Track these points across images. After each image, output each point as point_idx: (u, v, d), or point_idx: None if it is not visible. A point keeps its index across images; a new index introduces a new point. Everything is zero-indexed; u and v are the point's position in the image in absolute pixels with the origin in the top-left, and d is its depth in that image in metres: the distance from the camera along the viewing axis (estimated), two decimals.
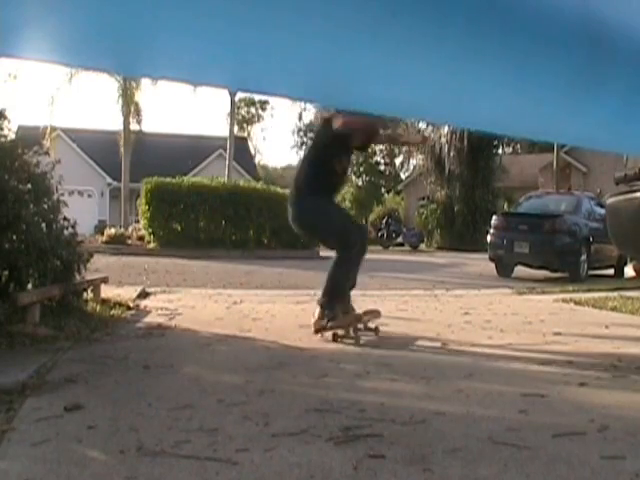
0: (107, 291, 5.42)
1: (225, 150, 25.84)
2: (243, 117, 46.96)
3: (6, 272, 3.94)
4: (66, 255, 4.28)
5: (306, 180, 4.09)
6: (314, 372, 3.00)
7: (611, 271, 11.98)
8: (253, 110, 48.56)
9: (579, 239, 10.54)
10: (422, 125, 27.95)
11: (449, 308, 5.87)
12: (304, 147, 46.29)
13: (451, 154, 27.39)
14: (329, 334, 3.96)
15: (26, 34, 0.69)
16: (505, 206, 25.19)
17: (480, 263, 13.78)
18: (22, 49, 0.73)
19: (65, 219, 4.50)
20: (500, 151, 31.17)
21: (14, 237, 3.93)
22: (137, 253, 14.99)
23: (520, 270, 11.05)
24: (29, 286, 4.01)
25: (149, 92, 66.91)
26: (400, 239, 27.37)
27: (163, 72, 0.83)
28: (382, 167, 44.53)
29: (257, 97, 43.71)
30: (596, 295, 7.20)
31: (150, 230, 16.48)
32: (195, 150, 34.29)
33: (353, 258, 4.20)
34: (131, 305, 5.18)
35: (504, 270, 11.04)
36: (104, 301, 5.03)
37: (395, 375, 2.98)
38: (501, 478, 1.74)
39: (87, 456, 1.86)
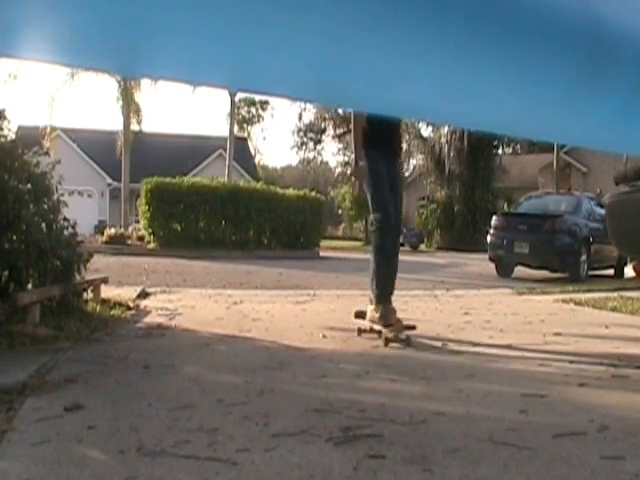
0: (107, 291, 5.42)
1: (225, 150, 25.85)
2: (243, 117, 46.94)
3: (6, 272, 3.94)
4: (66, 255, 4.28)
5: None
6: (314, 372, 2.99)
7: (611, 271, 11.98)
8: (253, 110, 48.56)
9: (579, 239, 10.54)
10: (422, 125, 27.98)
11: (449, 308, 5.87)
12: (304, 147, 46.39)
13: (451, 154, 27.42)
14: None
15: (26, 34, 0.69)
16: (505, 206, 25.20)
17: (480, 263, 13.78)
18: (22, 49, 0.73)
19: (65, 219, 4.50)
20: (500, 151, 31.21)
21: (14, 237, 3.93)
22: (137, 253, 14.99)
23: (520, 270, 11.05)
24: (29, 286, 4.01)
25: (149, 92, 66.94)
26: (400, 239, 27.38)
27: (163, 72, 0.83)
28: None
29: (257, 97, 43.74)
30: (596, 295, 7.20)
31: (150, 230, 16.50)
32: (195, 150, 34.31)
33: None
34: (131, 305, 5.18)
35: (504, 270, 11.05)
36: (104, 301, 5.03)
37: (395, 375, 2.98)
38: (501, 478, 1.74)
39: (87, 456, 1.86)
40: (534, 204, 12.08)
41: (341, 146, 45.37)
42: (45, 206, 4.25)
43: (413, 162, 40.72)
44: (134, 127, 26.01)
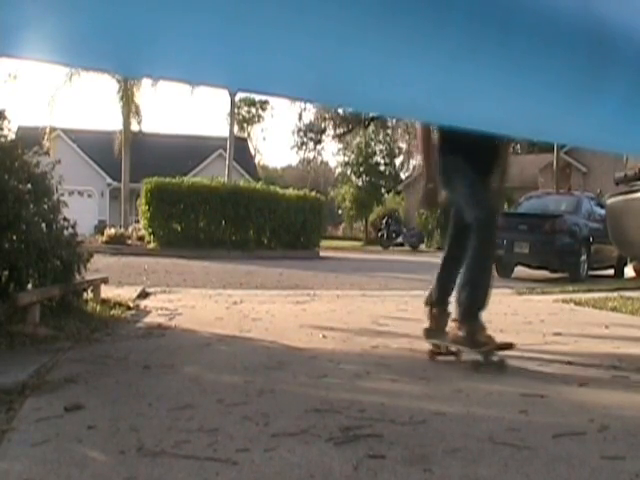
0: (107, 291, 5.42)
1: (225, 150, 25.85)
2: (243, 117, 46.96)
3: (6, 272, 3.94)
4: (66, 255, 4.28)
5: None
6: (314, 372, 2.99)
7: (611, 271, 11.98)
8: (253, 110, 48.57)
9: (579, 239, 10.54)
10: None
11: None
12: (304, 147, 46.40)
13: None
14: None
15: (26, 34, 0.69)
16: (505, 206, 25.20)
17: None
18: (22, 49, 0.73)
19: (65, 219, 4.50)
20: None
21: (14, 237, 3.93)
22: (137, 253, 15.00)
23: (520, 270, 11.05)
24: (29, 286, 4.01)
25: (149, 92, 66.95)
26: (400, 239, 27.39)
27: (163, 72, 0.83)
28: (382, 167, 44.54)
29: (257, 97, 43.76)
30: (596, 295, 7.20)
31: (150, 230, 16.50)
32: (195, 150, 34.32)
33: None
34: (131, 305, 5.18)
35: (504, 270, 11.05)
36: (104, 301, 5.03)
37: (395, 375, 2.98)
38: (501, 478, 1.74)
39: (87, 456, 1.86)
40: (534, 204, 12.09)
41: (341, 146, 45.44)
42: (45, 206, 4.25)
43: (413, 162, 40.76)
44: (134, 127, 26.03)
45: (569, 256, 10.38)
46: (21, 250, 3.86)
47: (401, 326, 4.56)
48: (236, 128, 32.37)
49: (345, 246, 27.56)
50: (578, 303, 6.42)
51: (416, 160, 34.48)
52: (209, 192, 16.42)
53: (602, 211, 9.56)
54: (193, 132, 41.75)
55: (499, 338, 4.04)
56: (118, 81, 24.04)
